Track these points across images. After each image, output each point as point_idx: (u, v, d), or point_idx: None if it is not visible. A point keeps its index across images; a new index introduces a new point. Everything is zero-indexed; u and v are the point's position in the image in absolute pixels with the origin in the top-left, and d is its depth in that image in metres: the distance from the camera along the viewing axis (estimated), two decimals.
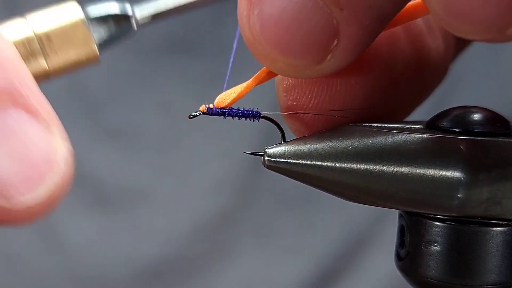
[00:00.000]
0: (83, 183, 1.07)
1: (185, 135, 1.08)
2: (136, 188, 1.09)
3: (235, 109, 0.52)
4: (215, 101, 0.52)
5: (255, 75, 0.52)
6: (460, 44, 0.63)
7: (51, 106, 0.47)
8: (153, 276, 1.09)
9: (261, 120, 0.52)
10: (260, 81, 0.52)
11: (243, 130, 1.04)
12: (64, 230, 1.08)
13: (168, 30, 1.07)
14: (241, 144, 1.05)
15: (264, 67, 0.51)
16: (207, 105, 0.52)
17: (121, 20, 0.51)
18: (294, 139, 0.52)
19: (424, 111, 0.57)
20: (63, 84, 1.06)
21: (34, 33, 0.49)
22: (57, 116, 0.47)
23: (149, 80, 1.09)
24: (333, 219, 1.11)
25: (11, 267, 1.08)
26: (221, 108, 0.52)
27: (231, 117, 0.52)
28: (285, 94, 0.52)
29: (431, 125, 0.52)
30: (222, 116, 0.52)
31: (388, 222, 1.09)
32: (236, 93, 0.52)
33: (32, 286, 1.09)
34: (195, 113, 0.52)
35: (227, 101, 0.52)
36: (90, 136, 1.08)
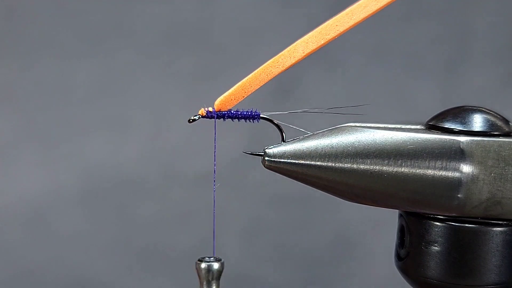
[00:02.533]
0: (72, 173, 1.08)
1: (173, 126, 1.09)
2: (124, 177, 1.10)
3: (235, 111, 0.52)
4: (215, 104, 0.52)
5: (252, 74, 0.52)
6: None
7: None
8: (139, 264, 1.09)
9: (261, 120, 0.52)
10: (260, 82, 0.52)
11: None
12: (52, 219, 1.09)
13: (158, 24, 1.08)
14: (230, 137, 1.05)
15: (263, 67, 0.52)
16: (206, 109, 0.52)
17: None
18: (293, 139, 0.52)
19: (424, 111, 0.57)
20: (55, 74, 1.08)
21: None
22: None
23: (138, 72, 1.10)
24: (321, 222, 1.10)
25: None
26: (220, 111, 0.52)
27: (230, 119, 0.52)
28: None
29: (431, 125, 0.52)
30: (222, 119, 0.52)
31: (378, 229, 1.08)
32: (235, 96, 0.52)
33: (21, 275, 1.09)
34: (195, 117, 0.52)
35: (227, 104, 0.52)
36: (78, 126, 1.09)
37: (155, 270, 1.10)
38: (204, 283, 0.52)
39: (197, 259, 0.53)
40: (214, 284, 0.52)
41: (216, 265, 0.52)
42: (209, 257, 0.53)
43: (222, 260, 0.52)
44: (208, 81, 1.09)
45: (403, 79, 1.11)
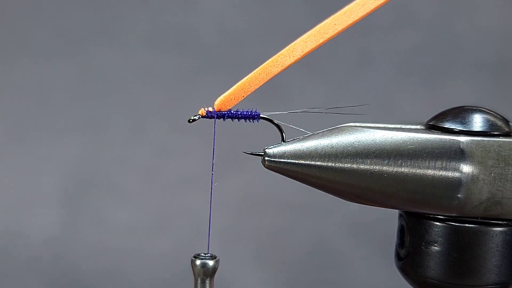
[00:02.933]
0: (49, 176, 1.08)
1: (152, 129, 1.09)
2: (102, 181, 1.09)
3: (235, 111, 0.52)
4: (214, 104, 0.52)
5: (251, 73, 0.52)
6: None
7: None
8: (116, 269, 1.08)
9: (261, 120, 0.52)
10: (260, 82, 0.52)
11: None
12: (29, 222, 1.08)
13: (138, 26, 1.07)
14: (209, 140, 1.05)
15: (262, 66, 0.52)
16: (206, 109, 0.52)
17: None
18: (293, 139, 0.51)
19: (424, 111, 0.57)
20: (33, 84, 1.07)
21: None
22: None
23: (118, 75, 1.10)
24: (303, 227, 1.10)
25: None
26: (220, 111, 0.52)
27: (230, 119, 0.52)
28: None
29: (431, 125, 0.52)
30: (222, 119, 0.52)
31: (358, 235, 1.08)
32: (235, 96, 0.51)
33: None
34: (195, 117, 0.52)
35: (226, 104, 0.51)
36: (56, 128, 1.09)
37: (132, 273, 1.09)
38: (199, 280, 0.52)
39: (192, 256, 0.53)
40: (208, 281, 0.52)
41: (211, 262, 0.52)
42: (205, 254, 0.53)
43: (218, 257, 0.52)
44: (189, 84, 1.09)
45: (389, 86, 1.11)
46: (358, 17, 0.54)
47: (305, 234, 1.10)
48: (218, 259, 0.52)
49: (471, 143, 0.49)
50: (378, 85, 1.11)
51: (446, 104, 1.00)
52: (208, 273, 0.52)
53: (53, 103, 1.09)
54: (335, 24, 0.53)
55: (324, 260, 1.11)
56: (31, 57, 1.09)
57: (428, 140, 0.49)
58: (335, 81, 1.11)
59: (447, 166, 0.49)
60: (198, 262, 0.52)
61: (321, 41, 0.54)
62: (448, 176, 0.49)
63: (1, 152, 1.09)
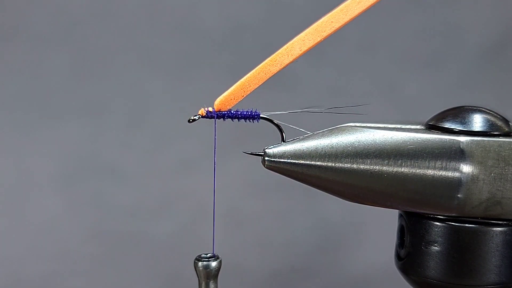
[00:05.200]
0: (49, 160, 1.07)
1: (152, 113, 1.09)
2: (104, 164, 1.09)
3: (235, 111, 0.51)
4: (214, 104, 0.51)
5: (250, 73, 0.52)
6: None
7: None
8: (117, 252, 1.08)
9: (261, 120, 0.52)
10: (259, 81, 0.51)
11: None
12: (29, 205, 1.08)
13: (139, 9, 1.07)
14: (211, 123, 1.05)
15: (261, 66, 0.51)
16: (206, 108, 0.52)
17: None
18: (293, 139, 0.51)
19: (424, 111, 0.57)
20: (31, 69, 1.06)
21: None
22: None
23: (118, 58, 1.09)
24: (305, 210, 1.10)
25: None
26: (220, 110, 0.51)
27: (230, 119, 0.52)
28: None
29: (431, 125, 0.51)
30: (222, 119, 0.51)
31: (361, 218, 1.09)
32: (234, 96, 0.51)
33: None
34: (194, 117, 0.52)
35: (226, 104, 0.51)
36: (56, 112, 1.08)
37: (133, 258, 1.09)
38: (203, 283, 0.52)
39: (194, 258, 0.52)
40: (212, 282, 0.52)
41: (213, 264, 0.52)
42: (206, 254, 0.53)
43: (220, 257, 0.52)
44: (189, 69, 1.08)
45: (392, 72, 1.11)
46: (354, 14, 0.54)
47: (309, 216, 1.11)
48: (221, 260, 0.52)
49: (471, 143, 0.49)
50: (381, 70, 1.11)
51: (449, 88, 1.00)
52: (211, 275, 0.52)
53: (52, 86, 1.08)
54: (332, 22, 0.53)
55: (327, 242, 1.11)
56: (29, 40, 1.08)
57: (428, 140, 0.49)
58: (340, 65, 1.11)
59: (447, 166, 0.49)
60: (200, 264, 0.52)
61: (318, 39, 0.53)
62: (448, 176, 0.49)
63: (0, 136, 1.08)
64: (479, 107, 0.51)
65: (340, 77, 1.10)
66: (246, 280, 1.09)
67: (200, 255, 0.53)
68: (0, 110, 1.08)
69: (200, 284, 0.52)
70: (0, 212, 1.08)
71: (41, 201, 1.09)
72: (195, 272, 0.52)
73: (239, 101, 0.51)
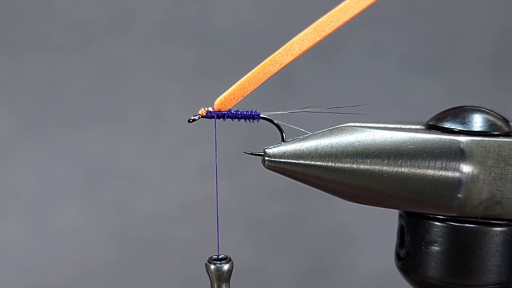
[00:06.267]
0: (70, 168, 1.08)
1: (170, 120, 1.09)
2: (124, 171, 1.10)
3: (235, 111, 0.51)
4: (214, 104, 0.51)
5: (250, 73, 0.52)
6: None
7: None
8: (139, 258, 1.09)
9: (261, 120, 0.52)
10: (259, 81, 0.51)
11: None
12: (51, 213, 1.08)
13: (155, 19, 1.07)
14: (228, 129, 1.06)
15: (260, 66, 0.51)
16: (206, 108, 0.51)
17: None
18: (293, 139, 0.51)
19: (424, 111, 0.57)
20: (51, 77, 1.06)
21: None
22: None
23: (134, 67, 1.10)
24: (321, 213, 1.11)
25: None
26: (220, 110, 0.51)
27: (230, 119, 0.51)
28: None
29: (431, 125, 0.51)
30: (222, 119, 0.51)
31: (376, 219, 1.09)
32: (234, 96, 0.51)
33: (21, 271, 1.09)
34: (194, 117, 0.52)
35: (226, 104, 0.51)
36: (76, 121, 1.09)
37: (154, 263, 1.09)
38: (215, 285, 0.52)
39: (206, 260, 0.52)
40: (224, 284, 0.52)
41: (225, 267, 0.52)
42: (217, 256, 0.52)
43: (232, 259, 0.52)
44: (206, 75, 1.09)
45: (399, 77, 1.11)
46: (353, 14, 0.54)
47: (325, 219, 1.11)
48: (232, 261, 0.52)
49: (471, 143, 0.49)
50: (388, 75, 1.11)
51: (452, 92, 1.01)
52: (224, 278, 0.51)
53: (71, 96, 1.09)
54: (331, 21, 0.53)
55: (343, 244, 1.12)
56: (49, 51, 1.08)
57: (428, 140, 0.49)
58: (346, 72, 1.12)
59: (447, 166, 0.49)
60: (212, 267, 0.51)
61: (318, 39, 0.53)
62: (448, 176, 0.49)
63: (21, 145, 1.09)
64: (479, 107, 0.51)
65: (345, 82, 1.10)
66: (265, 282, 1.10)
67: (211, 257, 0.52)
68: (22, 120, 1.09)
69: (212, 286, 0.52)
70: (23, 220, 1.09)
71: (63, 208, 1.10)
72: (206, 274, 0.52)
73: (239, 101, 0.51)
